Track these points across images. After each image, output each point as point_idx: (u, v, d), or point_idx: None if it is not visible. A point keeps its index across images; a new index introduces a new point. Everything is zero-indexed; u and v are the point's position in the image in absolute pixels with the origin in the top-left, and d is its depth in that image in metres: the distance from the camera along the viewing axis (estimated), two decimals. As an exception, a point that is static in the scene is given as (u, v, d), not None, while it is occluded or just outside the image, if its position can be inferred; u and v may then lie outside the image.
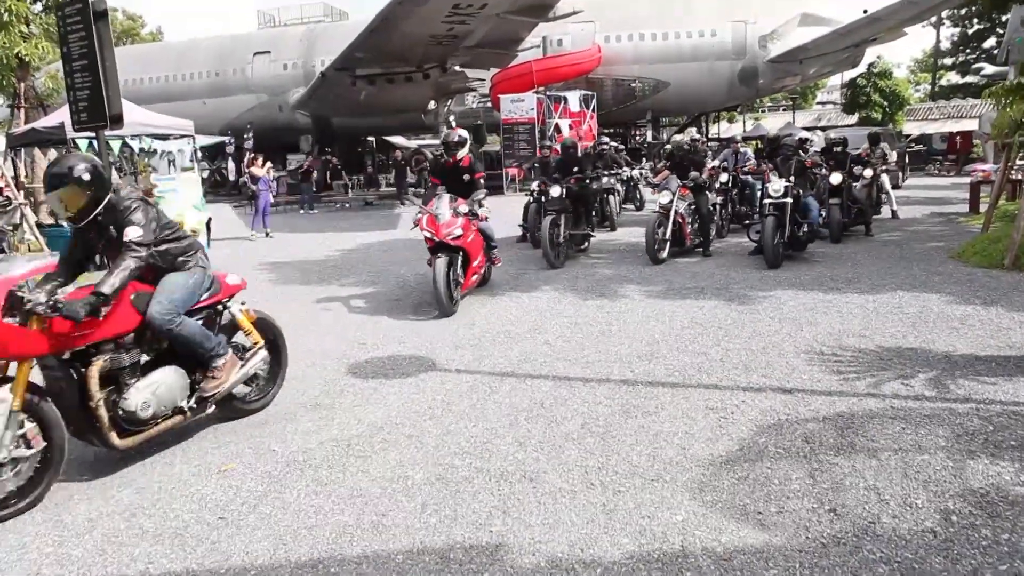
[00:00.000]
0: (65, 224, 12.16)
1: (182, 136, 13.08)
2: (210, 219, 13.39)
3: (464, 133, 8.44)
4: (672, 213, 9.82)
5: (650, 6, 31.04)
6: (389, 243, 14.08)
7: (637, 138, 35.01)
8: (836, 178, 10.93)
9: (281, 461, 4.14)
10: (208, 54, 36.75)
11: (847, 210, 11.23)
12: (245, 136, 33.91)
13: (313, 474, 3.95)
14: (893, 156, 17.33)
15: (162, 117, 13.13)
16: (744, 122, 42.51)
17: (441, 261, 7.40)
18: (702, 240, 10.43)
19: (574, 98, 26.21)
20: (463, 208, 7.73)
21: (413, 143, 44.08)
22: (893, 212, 14.00)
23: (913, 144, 17.10)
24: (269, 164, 15.96)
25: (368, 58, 26.14)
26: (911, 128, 34.19)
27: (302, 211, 23.21)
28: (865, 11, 26.48)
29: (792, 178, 9.41)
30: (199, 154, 14.53)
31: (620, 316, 7.12)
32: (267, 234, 15.86)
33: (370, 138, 40.83)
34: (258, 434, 4.57)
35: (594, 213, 11.69)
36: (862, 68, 33.63)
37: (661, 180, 10.54)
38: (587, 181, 10.82)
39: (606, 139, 13.92)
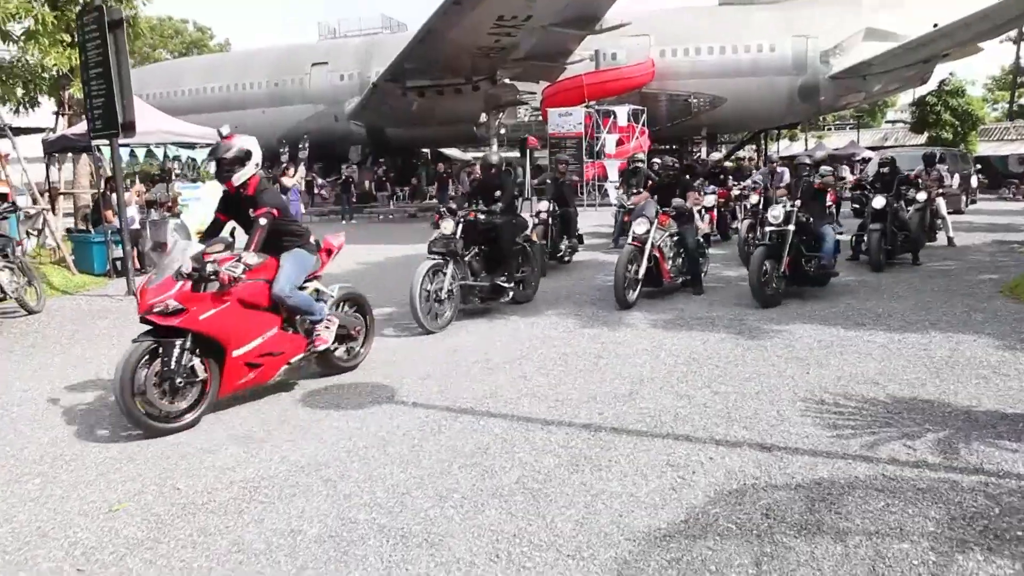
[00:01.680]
0: (92, 230, 12.27)
1: (209, 145, 13.00)
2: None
3: (245, 145, 5.24)
4: (648, 246, 8.30)
5: (707, 20, 30.22)
6: (413, 258, 13.70)
7: (696, 156, 34.10)
8: (879, 202, 10.10)
9: (179, 502, 3.76)
10: (268, 64, 37.45)
11: (892, 236, 10.36)
12: (300, 146, 34.45)
13: (203, 521, 3.55)
14: (953, 179, 16.23)
15: (189, 126, 13.14)
16: (806, 140, 41.08)
17: (135, 347, 4.65)
18: (688, 278, 8.95)
19: (623, 113, 25.56)
20: (219, 262, 4.87)
21: (469, 155, 44.09)
22: (949, 239, 12.99)
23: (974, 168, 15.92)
24: (300, 174, 15.87)
25: (417, 69, 26.12)
26: (986, 149, 32.38)
27: (343, 221, 23.22)
28: (935, 25, 25.13)
29: (798, 202, 8.33)
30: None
31: (614, 348, 6.55)
32: (296, 244, 15.73)
33: (424, 150, 40.99)
34: (172, 467, 4.20)
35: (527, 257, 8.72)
36: (932, 85, 32.02)
37: (638, 205, 9.23)
38: (500, 213, 8.10)
39: (641, 156, 13.24)
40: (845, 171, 24.50)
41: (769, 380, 5.44)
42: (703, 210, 13.76)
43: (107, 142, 10.28)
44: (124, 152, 11.92)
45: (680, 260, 8.89)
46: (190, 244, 5.31)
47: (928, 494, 3.54)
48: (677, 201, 8.83)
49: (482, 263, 8.06)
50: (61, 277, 11.12)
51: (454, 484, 3.84)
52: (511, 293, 8.20)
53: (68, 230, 12.92)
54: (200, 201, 12.51)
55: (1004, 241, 13.57)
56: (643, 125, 26.46)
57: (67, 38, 14.22)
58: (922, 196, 11.97)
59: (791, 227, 8.08)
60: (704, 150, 32.57)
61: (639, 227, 8.40)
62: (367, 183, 29.06)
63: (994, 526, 3.22)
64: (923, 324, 7.06)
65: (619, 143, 25.79)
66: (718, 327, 7.17)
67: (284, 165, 15.48)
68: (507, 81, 27.85)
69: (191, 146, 12.73)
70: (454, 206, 8.04)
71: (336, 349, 5.88)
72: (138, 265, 12.01)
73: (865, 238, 10.39)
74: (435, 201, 26.21)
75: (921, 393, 5.05)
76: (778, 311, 7.81)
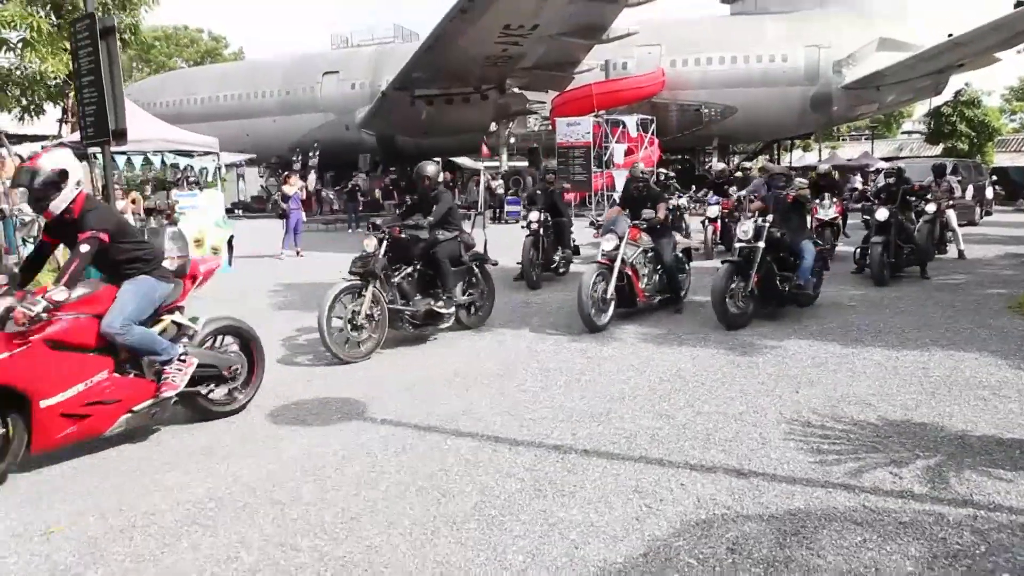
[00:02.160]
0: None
1: (207, 153, 12.96)
2: (232, 237, 13.21)
3: (57, 164, 4.40)
4: (618, 264, 7.66)
5: (719, 30, 30.06)
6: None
7: (707, 166, 33.78)
8: (882, 214, 9.81)
9: (117, 525, 3.58)
10: (280, 73, 37.60)
11: (897, 249, 10.07)
12: (311, 154, 34.53)
13: (139, 546, 3.36)
14: (967, 190, 15.87)
15: (186, 133, 13.08)
16: (820, 151, 40.67)
17: None
18: (668, 295, 8.41)
19: (632, 122, 25.36)
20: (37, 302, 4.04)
21: (480, 164, 44.07)
22: (960, 252, 12.67)
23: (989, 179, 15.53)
24: (301, 183, 15.81)
25: (425, 78, 26.07)
26: (1004, 160, 31.89)
27: (349, 230, 23.14)
28: (950, 35, 24.78)
29: (770, 216, 7.75)
30: (223, 171, 14.40)
31: (599, 363, 6.33)
32: (298, 253, 15.65)
33: (436, 159, 41.00)
34: (121, 485, 4.03)
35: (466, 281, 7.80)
36: (948, 95, 31.60)
37: (608, 220, 8.57)
38: (431, 228, 7.20)
39: (641, 166, 12.99)
40: (857, 181, 24.20)
41: (755, 400, 5.20)
42: (707, 220, 13.48)
43: (99, 149, 10.18)
44: (121, 160, 11.86)
45: (657, 277, 8.28)
46: None
47: (910, 528, 3.30)
48: (647, 213, 8.22)
49: (416, 285, 7.16)
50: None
51: (407, 509, 3.64)
52: (450, 319, 7.28)
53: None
54: (198, 209, 12.40)
55: (1018, 254, 13.21)
56: (652, 135, 26.24)
57: (68, 46, 14.24)
58: (931, 208, 11.68)
59: (761, 244, 7.51)
60: (715, 160, 32.26)
61: (607, 243, 7.79)
62: (376, 191, 28.97)
63: (979, 566, 2.98)
64: (923, 341, 6.79)
65: (628, 153, 25.57)
66: (710, 343, 6.93)
67: (284, 173, 15.38)
68: (516, 90, 27.78)
69: (189, 154, 12.65)
70: (379, 221, 7.24)
71: (212, 391, 5.06)
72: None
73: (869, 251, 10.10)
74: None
75: (914, 415, 4.80)
76: (773, 326, 7.56)
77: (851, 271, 10.73)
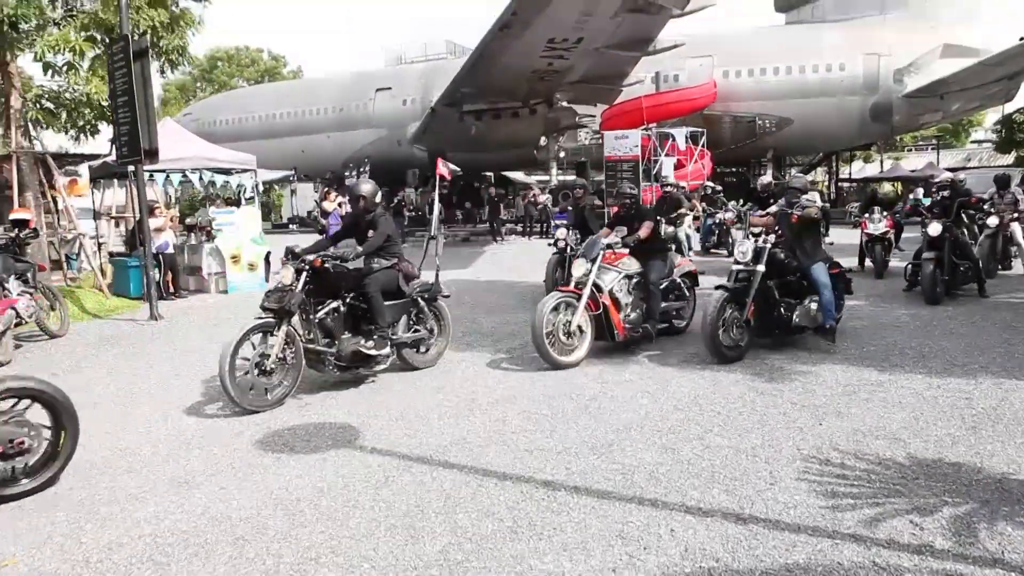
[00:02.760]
0: (132, 256, 12.41)
1: (244, 170, 13.09)
2: (269, 253, 13.29)
3: None
4: (587, 292, 6.68)
5: (774, 39, 29.29)
6: (448, 283, 13.44)
7: (762, 179, 32.90)
8: (934, 228, 9.21)
9: (74, 559, 3.44)
10: (334, 90, 38.27)
11: (951, 266, 9.43)
12: (362, 169, 34.95)
13: (85, 585, 3.21)
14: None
15: (225, 151, 13.25)
16: (882, 162, 39.20)
17: None
18: (666, 325, 7.55)
19: (681, 135, 24.83)
20: None
21: (532, 179, 43.94)
22: (1027, 269, 11.86)
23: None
24: (341, 199, 15.87)
25: (472, 93, 26.11)
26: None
27: (395, 245, 23.21)
28: (1022, 39, 23.55)
29: (772, 237, 6.93)
30: (260, 187, 14.55)
31: (614, 388, 6.00)
32: (336, 268, 15.67)
33: (488, 173, 40.99)
34: (89, 515, 3.90)
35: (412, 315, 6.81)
36: (1021, 102, 30.08)
37: (587, 244, 7.34)
38: (365, 257, 6.37)
39: (671, 179, 12.60)
40: (920, 193, 23.13)
41: (773, 432, 4.80)
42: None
43: (157, 168, 10.36)
44: (160, 177, 12.06)
45: (642, 307, 7.29)
46: None
47: (923, 591, 2.90)
48: (619, 230, 7.22)
49: (344, 322, 6.18)
50: (95, 301, 11.24)
51: (371, 551, 3.40)
52: (385, 360, 6.30)
53: (110, 254, 13.14)
54: (234, 226, 12.51)
55: (1090, 272, 12.30)
56: (702, 147, 25.67)
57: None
58: (993, 221, 11.00)
59: (760, 267, 6.70)
60: (769, 173, 31.42)
61: (576, 269, 6.83)
62: (426, 206, 29.09)
63: (997, 642, 2.57)
64: (972, 367, 6.25)
65: (678, 166, 25.07)
66: (735, 366, 6.51)
67: (324, 189, 15.44)
68: (565, 104, 27.57)
69: (227, 171, 12.79)
70: (298, 249, 6.14)
71: None
72: (172, 290, 12.10)
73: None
74: (487, 225, 26.04)
75: (949, 454, 4.34)
76: (806, 350, 7.08)
77: (902, 288, 10.12)
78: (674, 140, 24.72)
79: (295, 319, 5.93)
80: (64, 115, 11.95)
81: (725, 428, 4.92)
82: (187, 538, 3.60)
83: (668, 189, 11.98)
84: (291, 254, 6.07)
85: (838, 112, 27.78)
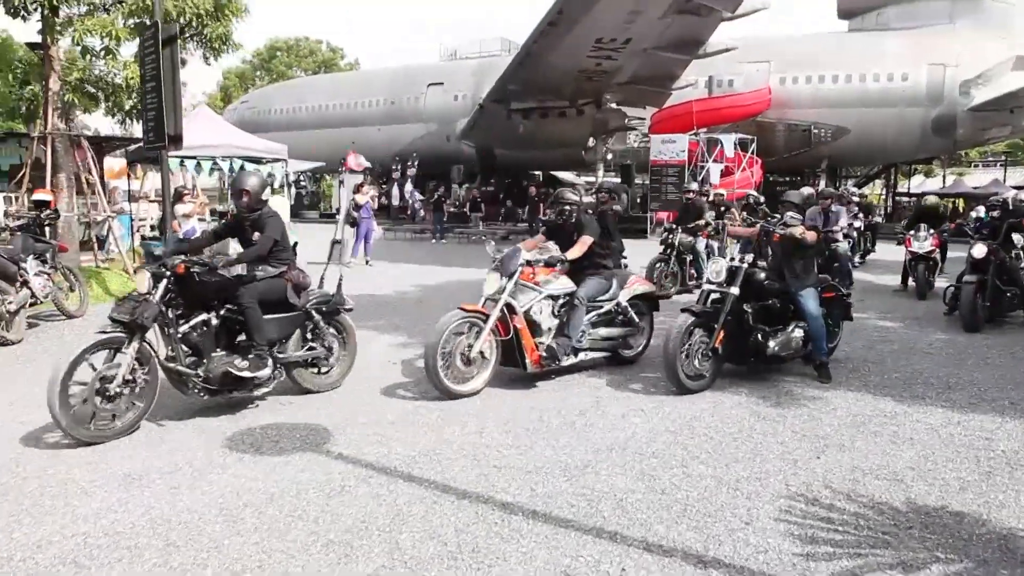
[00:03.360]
0: (160, 240, 12.55)
1: (275, 160, 13.12)
2: (296, 243, 13.26)
3: None
4: (495, 312, 5.86)
5: (834, 46, 28.35)
6: (474, 283, 13.27)
7: (802, 190, 31.91)
8: (979, 250, 8.64)
9: (-2, 556, 3.33)
10: (386, 83, 38.52)
11: (996, 291, 8.84)
12: (409, 163, 35.07)
13: (-1, 585, 3.09)
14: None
15: (256, 140, 13.32)
16: (944, 177, 37.70)
17: None
18: (551, 346, 6.13)
19: (729, 141, 24.20)
20: None
21: (582, 179, 43.60)
22: (1082, 297, 11.09)
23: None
24: (373, 192, 15.81)
25: (520, 91, 25.95)
26: None
27: (433, 240, 23.19)
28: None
29: (750, 256, 6.18)
30: (289, 177, 14.58)
31: (608, 404, 5.70)
32: (367, 262, 15.63)
33: (537, 172, 40.75)
34: (30, 508, 3.79)
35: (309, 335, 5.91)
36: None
37: (507, 254, 6.23)
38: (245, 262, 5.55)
39: (694, 186, 12.11)
40: (981, 211, 22.07)
41: (764, 463, 4.46)
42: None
43: (186, 153, 10.41)
44: (190, 164, 12.15)
45: (598, 331, 6.58)
46: None
47: (885, 664, 2.57)
48: (543, 249, 6.39)
49: (214, 338, 5.29)
50: (120, 283, 11.36)
51: (299, 569, 3.21)
52: (270, 382, 5.45)
53: (143, 237, 13.31)
54: (263, 215, 12.52)
55: None
56: (752, 154, 24.99)
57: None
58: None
59: (733, 289, 5.98)
60: (823, 183, 30.45)
61: (488, 285, 6.02)
62: (469, 203, 29.11)
63: None
64: (1001, 403, 5.77)
65: (726, 173, 24.46)
66: (743, 388, 6.15)
67: (358, 183, 15.42)
68: (613, 106, 27.16)
69: (258, 160, 12.83)
70: (158, 251, 5.55)
71: None
72: (199, 275, 12.17)
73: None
74: (525, 224, 25.81)
75: (953, 501, 3.95)
76: (831, 370, 6.66)
77: (943, 312, 9.55)
78: (722, 146, 24.08)
79: (159, 333, 5.12)
80: (103, 99, 12.09)
81: (713, 456, 4.60)
82: (119, 540, 3.46)
83: (690, 196, 11.47)
84: (151, 256, 5.42)
85: (898, 123, 26.76)
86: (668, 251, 10.34)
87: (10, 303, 8.00)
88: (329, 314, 5.95)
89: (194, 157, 11.89)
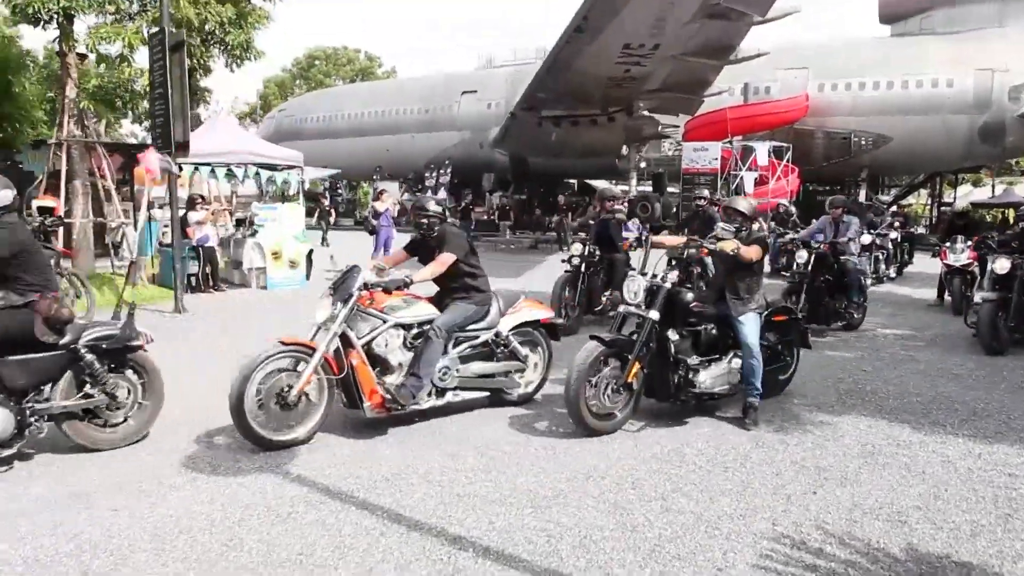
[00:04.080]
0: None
1: (291, 167, 13.02)
2: (311, 251, 13.18)
3: None
4: (322, 347, 4.78)
5: (875, 52, 27.46)
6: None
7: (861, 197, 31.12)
8: (1002, 265, 8.03)
9: (-96, 584, 3.12)
10: (421, 92, 38.62)
11: (1021, 310, 8.17)
12: (442, 171, 35.04)
13: None
14: None
15: (273, 147, 13.23)
16: (993, 186, 36.28)
17: None
18: (398, 388, 5.06)
19: (763, 149, 23.57)
20: None
21: (618, 188, 43.14)
22: None
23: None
24: (393, 199, 15.64)
25: (549, 98, 25.65)
26: None
27: (459, 249, 22.99)
28: None
29: (674, 274, 5.28)
30: (305, 185, 14.50)
31: (597, 425, 5.35)
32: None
33: (571, 180, 40.39)
34: (-41, 531, 3.61)
35: None
36: None
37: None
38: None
39: (706, 193, 11.56)
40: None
41: (754, 498, 4.08)
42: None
43: (200, 161, 10.35)
44: (205, 171, 12.11)
45: (465, 368, 5.51)
46: None
47: None
48: (387, 273, 5.25)
49: None
50: (130, 289, 11.33)
51: (212, 609, 2.94)
52: (11, 443, 4.32)
53: (160, 243, 13.31)
54: (277, 223, 12.44)
55: None
56: (787, 162, 24.33)
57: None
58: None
59: (652, 314, 5.07)
60: (863, 193, 29.55)
61: (319, 312, 4.96)
62: (498, 211, 28.92)
63: None
64: (1029, 434, 5.28)
65: (760, 182, 23.85)
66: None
67: (378, 190, 15.27)
68: (645, 113, 26.71)
69: (273, 167, 12.75)
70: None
71: None
72: (212, 283, 12.12)
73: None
74: (554, 233, 25.47)
75: (961, 549, 3.53)
76: (845, 393, 6.21)
77: (972, 334, 8.95)
78: (756, 154, 23.49)
79: None
80: (121, 105, 12.13)
81: (699, 487, 4.22)
82: (37, 569, 3.24)
83: (700, 204, 10.91)
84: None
85: (943, 131, 25.76)
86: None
87: (8, 309, 7.96)
88: (112, 353, 4.70)
89: (209, 164, 11.81)
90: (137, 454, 4.67)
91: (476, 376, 5.53)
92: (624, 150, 29.38)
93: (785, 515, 3.86)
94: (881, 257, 14.12)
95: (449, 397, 5.42)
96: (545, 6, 73.81)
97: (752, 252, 5.29)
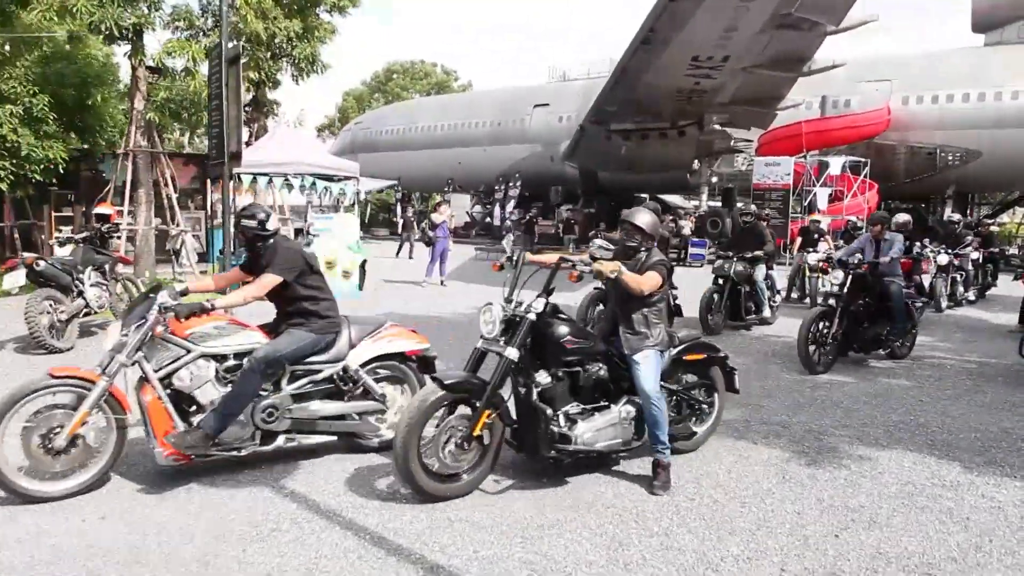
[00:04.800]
0: (233, 255, 12.81)
1: (347, 178, 13.18)
2: (365, 261, 13.28)
3: None
4: (102, 383, 4.07)
5: (965, 62, 26.08)
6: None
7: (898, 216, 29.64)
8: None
9: None
10: (493, 105, 38.89)
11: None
12: (512, 184, 35.12)
13: None
14: None
15: (329, 157, 13.42)
16: (1097, 207, 33.83)
17: None
18: (197, 433, 4.23)
19: (837, 164, 22.63)
20: None
21: (691, 203, 42.29)
22: None
23: None
24: (450, 211, 15.65)
25: (618, 112, 25.41)
26: None
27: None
28: None
29: (601, 307, 4.77)
30: (361, 196, 14.63)
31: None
32: (442, 282, 15.43)
33: (643, 195, 39.83)
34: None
35: None
36: None
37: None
38: None
39: (753, 208, 11.07)
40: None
41: (766, 539, 3.75)
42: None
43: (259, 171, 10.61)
44: (263, 180, 12.37)
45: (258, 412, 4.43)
46: None
47: None
48: (233, 277, 5.03)
49: None
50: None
51: (163, 629, 2.84)
52: None
53: (220, 251, 13.68)
54: (331, 232, 12.57)
55: None
56: (864, 178, 23.30)
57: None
58: None
59: (511, 351, 4.15)
60: (948, 211, 28.02)
61: (107, 339, 4.31)
62: (562, 224, 28.78)
63: None
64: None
65: (834, 198, 22.92)
66: (779, 438, 5.35)
67: (436, 201, 15.31)
68: (717, 127, 26.11)
69: (329, 177, 12.93)
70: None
71: None
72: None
73: None
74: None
75: (994, 609, 3.13)
76: (894, 425, 5.74)
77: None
78: (828, 169, 22.60)
79: None
80: (186, 117, 12.53)
81: (708, 524, 3.92)
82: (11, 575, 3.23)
83: (748, 220, 10.40)
84: None
85: (1039, 145, 24.24)
86: (723, 282, 9.48)
87: (62, 312, 8.24)
88: None
89: (267, 174, 12.07)
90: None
91: (318, 418, 4.59)
92: (696, 164, 28.81)
93: (796, 560, 3.53)
94: (959, 279, 13.26)
95: (280, 442, 4.48)
96: (623, 19, 73.45)
97: (644, 282, 4.28)
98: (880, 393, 6.84)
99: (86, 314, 8.76)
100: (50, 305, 8.12)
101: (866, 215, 21.62)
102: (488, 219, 36.16)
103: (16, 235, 14.07)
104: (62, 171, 12.75)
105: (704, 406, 5.07)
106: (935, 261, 13.08)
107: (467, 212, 39.23)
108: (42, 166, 11.90)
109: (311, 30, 15.46)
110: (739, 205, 30.36)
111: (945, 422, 5.93)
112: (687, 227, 25.25)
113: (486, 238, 31.61)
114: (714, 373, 5.11)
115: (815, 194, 22.38)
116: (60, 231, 12.78)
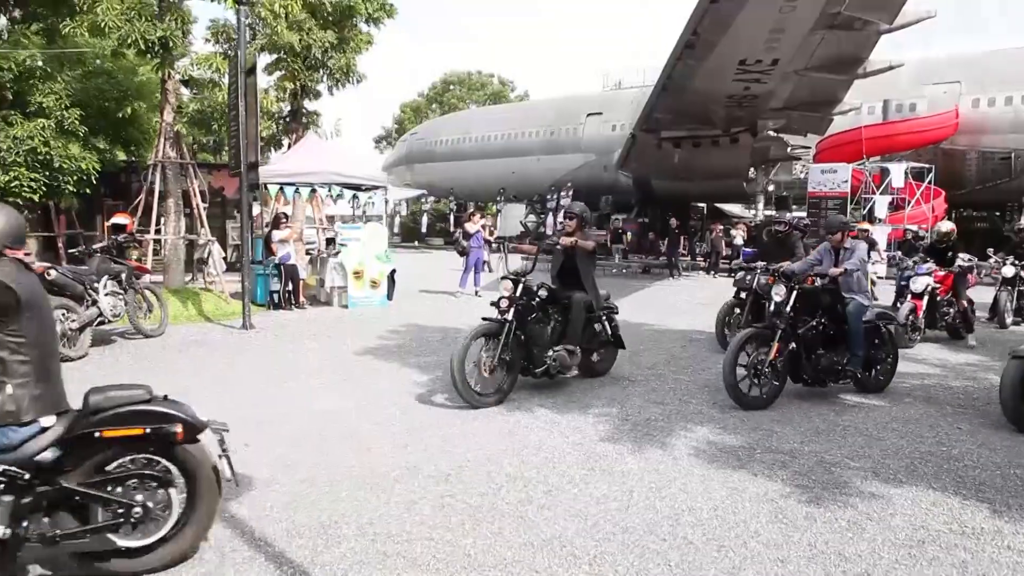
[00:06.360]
0: (260, 264, 12.75)
1: (374, 187, 13.05)
2: (394, 271, 13.12)
3: None
4: None
5: (1041, 60, 24.60)
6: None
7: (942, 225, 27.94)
8: None
9: None
10: (547, 114, 38.70)
11: None
12: (563, 193, 34.76)
13: None
14: None
15: (356, 167, 13.30)
16: None
17: None
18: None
19: (898, 171, 21.49)
20: None
21: (749, 213, 41.12)
22: None
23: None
24: (484, 221, 15.36)
25: (668, 119, 24.79)
26: None
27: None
28: None
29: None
30: (389, 204, 14.47)
31: (609, 463, 4.67)
32: (476, 292, 15.16)
33: (700, 204, 38.86)
34: None
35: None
36: None
37: None
38: None
39: (787, 217, 10.38)
40: None
41: (736, 591, 3.29)
42: (909, 295, 9.97)
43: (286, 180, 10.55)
44: (289, 190, 12.33)
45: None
46: None
47: None
48: None
49: None
50: (214, 304, 11.66)
51: None
52: None
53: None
54: (360, 242, 12.45)
55: None
56: (929, 183, 22.12)
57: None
58: None
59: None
60: (1023, 219, 26.37)
61: None
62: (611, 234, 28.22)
63: None
64: None
65: (895, 206, 21.81)
66: (782, 469, 4.84)
67: (470, 211, 15.07)
68: (771, 134, 25.22)
69: (357, 187, 12.81)
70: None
71: None
72: (296, 300, 12.28)
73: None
74: (663, 258, 24.45)
75: None
76: (920, 457, 5.16)
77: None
78: (889, 176, 21.53)
79: None
80: (215, 128, 12.60)
81: (676, 570, 3.48)
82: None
83: (780, 229, 9.73)
84: None
85: (1125, 149, 22.62)
86: (744, 295, 8.89)
87: (73, 321, 8.27)
88: None
89: (293, 183, 12.03)
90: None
91: None
92: (752, 172, 27.91)
93: (765, 619, 3.07)
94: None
95: None
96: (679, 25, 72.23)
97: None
98: (914, 419, 6.22)
99: (101, 323, 8.79)
100: (63, 314, 8.16)
101: (931, 224, 20.50)
102: (542, 228, 35.87)
103: (60, 244, 14.43)
104: (107, 182, 12.99)
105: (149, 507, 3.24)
106: (1001, 272, 12.13)
107: (520, 222, 39.03)
108: (75, 178, 12.11)
109: (346, 41, 15.41)
110: (769, 213, 29.34)
111: (982, 456, 5.30)
112: (739, 236, 24.40)
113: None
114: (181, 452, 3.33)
115: (874, 202, 21.31)
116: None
